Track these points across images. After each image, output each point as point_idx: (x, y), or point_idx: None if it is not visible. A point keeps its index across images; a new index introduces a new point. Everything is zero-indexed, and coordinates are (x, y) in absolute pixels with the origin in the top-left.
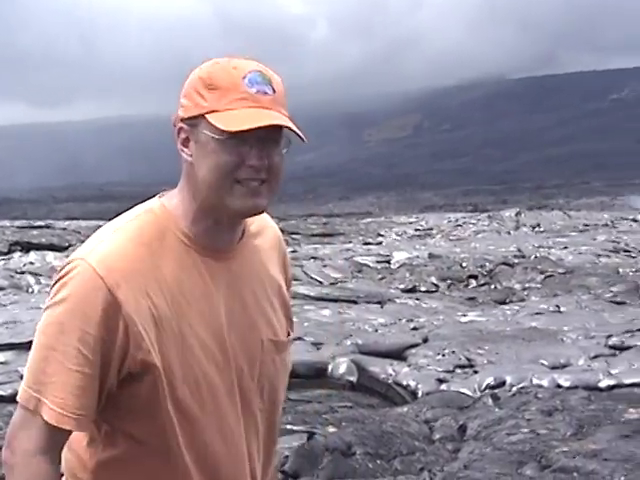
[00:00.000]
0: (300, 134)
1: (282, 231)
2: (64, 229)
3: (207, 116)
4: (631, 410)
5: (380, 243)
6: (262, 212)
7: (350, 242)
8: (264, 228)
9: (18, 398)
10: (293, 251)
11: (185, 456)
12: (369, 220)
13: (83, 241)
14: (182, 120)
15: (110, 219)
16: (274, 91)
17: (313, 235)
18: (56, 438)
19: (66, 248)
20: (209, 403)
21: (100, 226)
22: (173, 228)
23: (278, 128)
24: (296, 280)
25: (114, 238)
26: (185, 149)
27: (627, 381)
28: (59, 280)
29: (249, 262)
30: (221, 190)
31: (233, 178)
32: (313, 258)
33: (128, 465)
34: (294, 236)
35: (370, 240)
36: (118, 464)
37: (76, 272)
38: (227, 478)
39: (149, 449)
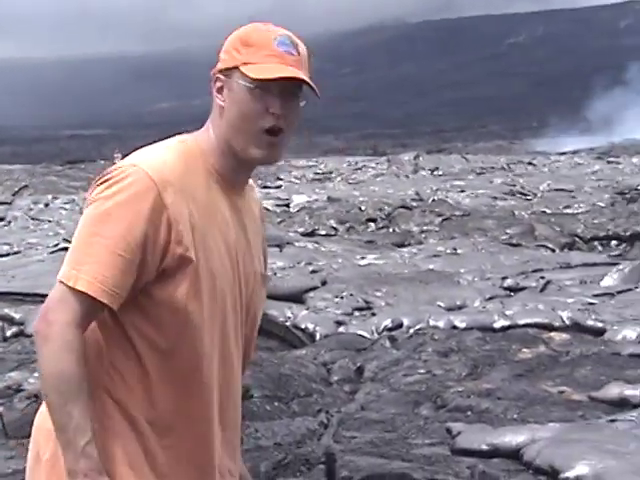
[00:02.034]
0: (316, 90)
1: None
2: None
3: (241, 67)
4: (524, 350)
5: (279, 187)
6: (275, 162)
7: None
8: (251, 184)
9: (59, 276)
10: None
11: (193, 359)
12: None
13: None
14: (220, 71)
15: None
16: (298, 53)
17: None
18: (90, 313)
19: None
20: (219, 313)
21: None
22: (202, 158)
23: (298, 85)
24: None
25: (160, 154)
26: (219, 95)
27: (521, 322)
28: (109, 179)
29: (249, 205)
30: (246, 135)
31: (258, 127)
32: None
33: (144, 365)
34: None
35: (269, 184)
36: (134, 363)
37: (129, 173)
38: (221, 391)
39: (166, 352)
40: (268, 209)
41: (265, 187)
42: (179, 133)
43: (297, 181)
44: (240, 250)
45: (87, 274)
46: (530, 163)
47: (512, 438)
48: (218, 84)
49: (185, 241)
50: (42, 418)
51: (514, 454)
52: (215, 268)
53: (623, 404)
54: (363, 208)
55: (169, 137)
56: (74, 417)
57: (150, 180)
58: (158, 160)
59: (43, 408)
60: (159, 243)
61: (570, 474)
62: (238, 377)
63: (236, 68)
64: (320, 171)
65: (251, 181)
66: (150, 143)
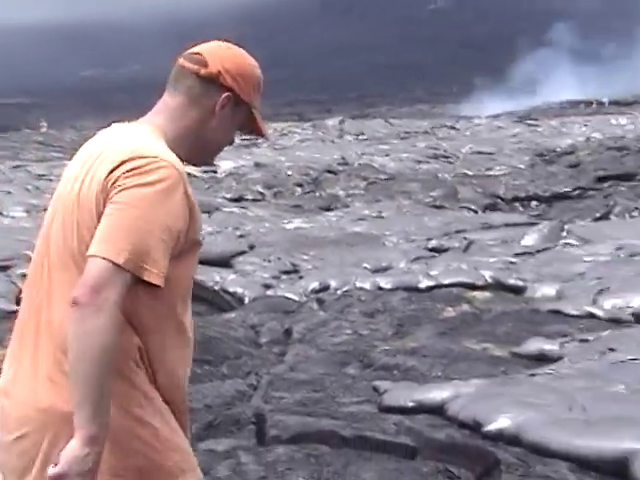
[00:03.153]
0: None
1: None
2: None
3: (253, 110)
4: (448, 309)
5: None
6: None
7: None
8: None
9: (102, 253)
10: None
11: (186, 323)
12: None
13: None
14: (232, 91)
15: None
16: None
17: None
18: (129, 290)
19: None
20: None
21: None
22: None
23: None
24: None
25: (163, 146)
26: (222, 110)
27: (445, 281)
28: (141, 167)
29: None
30: (213, 148)
31: (223, 148)
32: None
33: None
34: None
35: None
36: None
37: (160, 165)
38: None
39: (162, 317)
40: (196, 175)
41: None
42: (107, 101)
43: None
44: None
45: (147, 263)
46: (453, 127)
47: (436, 394)
48: (226, 101)
49: (196, 226)
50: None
51: (438, 410)
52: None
53: (542, 359)
54: (289, 173)
55: (97, 106)
56: (105, 393)
57: (177, 172)
58: (170, 153)
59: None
60: (184, 227)
61: (492, 427)
62: None
63: (247, 105)
64: (246, 137)
65: None
66: (76, 111)
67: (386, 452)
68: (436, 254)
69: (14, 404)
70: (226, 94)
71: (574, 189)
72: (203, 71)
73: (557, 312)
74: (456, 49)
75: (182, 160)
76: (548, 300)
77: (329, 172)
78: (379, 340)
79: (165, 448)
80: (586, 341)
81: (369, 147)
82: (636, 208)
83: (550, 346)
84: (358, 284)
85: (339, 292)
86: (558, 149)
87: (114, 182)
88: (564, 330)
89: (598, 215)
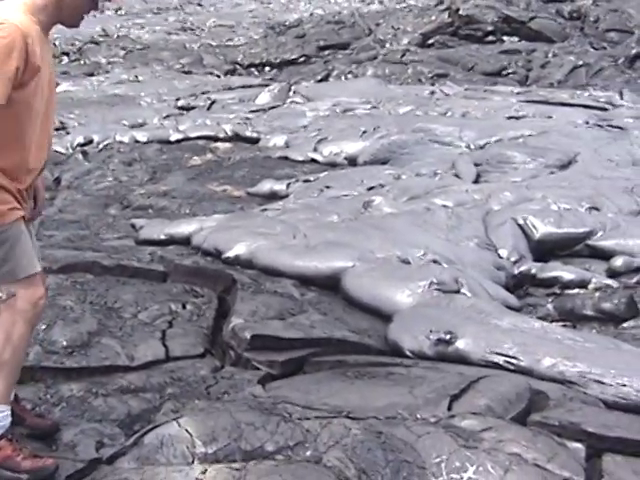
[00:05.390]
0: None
1: None
2: None
3: None
4: (195, 158)
5: None
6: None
7: None
8: None
9: None
10: None
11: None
12: None
13: None
14: None
15: None
16: None
17: None
18: None
19: None
20: (45, 106)
21: None
22: (32, 15)
23: None
24: None
25: (18, 14)
26: None
27: (192, 135)
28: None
29: (50, 45)
30: (77, 12)
31: (87, 10)
32: None
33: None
34: None
35: None
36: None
37: (7, 25)
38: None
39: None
40: None
41: None
42: None
43: None
44: (51, 72)
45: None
46: (199, 4)
47: (184, 228)
48: None
49: (35, 59)
50: None
51: (186, 241)
52: (44, 81)
53: (273, 197)
54: (56, 43)
55: None
56: None
57: (20, 30)
58: (19, 18)
59: None
60: (21, 67)
61: (230, 254)
62: (47, 136)
63: None
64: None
65: None
66: None
67: (142, 277)
68: (184, 112)
69: None
70: None
71: (300, 56)
72: None
73: (285, 158)
74: None
75: (47, 24)
76: (278, 149)
77: (92, 43)
78: (136, 185)
79: None
80: (308, 181)
81: (127, 21)
82: (350, 72)
83: (279, 186)
84: (118, 138)
85: (101, 145)
86: (287, 22)
87: None
88: (291, 173)
89: (319, 78)
